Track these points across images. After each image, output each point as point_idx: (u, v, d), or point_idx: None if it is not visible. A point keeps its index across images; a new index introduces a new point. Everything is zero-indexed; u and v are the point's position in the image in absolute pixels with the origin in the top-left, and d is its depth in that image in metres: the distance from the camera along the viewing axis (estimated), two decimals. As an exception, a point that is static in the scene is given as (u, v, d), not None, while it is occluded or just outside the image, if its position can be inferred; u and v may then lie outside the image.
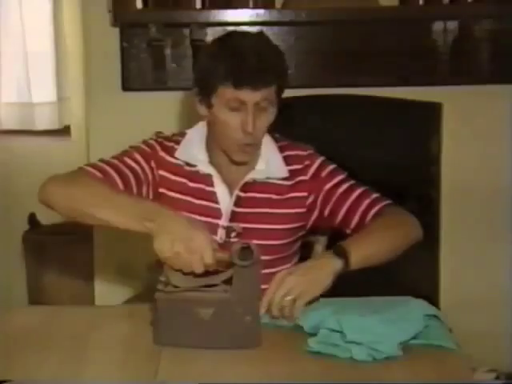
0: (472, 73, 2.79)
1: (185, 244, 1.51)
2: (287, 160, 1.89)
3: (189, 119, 2.68)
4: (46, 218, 2.98)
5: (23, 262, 3.02)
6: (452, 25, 2.75)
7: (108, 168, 1.79)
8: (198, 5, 2.68)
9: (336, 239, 1.87)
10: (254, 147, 1.82)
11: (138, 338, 1.57)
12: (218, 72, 1.75)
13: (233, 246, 1.52)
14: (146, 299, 1.65)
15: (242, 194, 1.86)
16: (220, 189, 1.85)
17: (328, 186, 1.87)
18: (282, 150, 1.90)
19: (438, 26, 2.76)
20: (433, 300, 1.78)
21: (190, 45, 2.73)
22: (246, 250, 1.50)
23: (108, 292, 2.85)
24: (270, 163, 1.87)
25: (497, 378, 2.69)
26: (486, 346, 2.76)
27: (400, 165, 2.89)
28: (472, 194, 2.88)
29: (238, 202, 1.85)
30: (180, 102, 2.76)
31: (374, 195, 1.87)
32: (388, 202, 1.86)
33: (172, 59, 2.76)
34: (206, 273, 1.53)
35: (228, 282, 1.52)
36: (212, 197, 1.85)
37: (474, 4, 2.71)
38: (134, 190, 1.80)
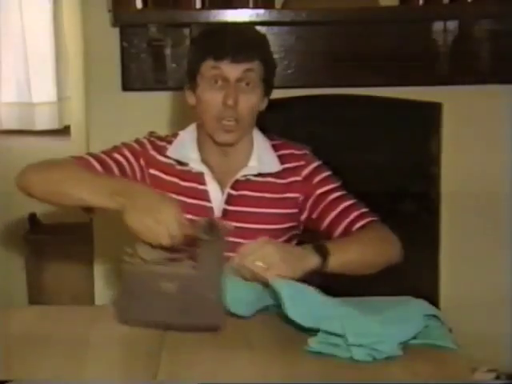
0: (472, 73, 2.79)
1: (152, 216, 1.53)
2: (281, 159, 1.89)
3: (189, 119, 2.68)
4: (45, 218, 2.98)
5: (23, 262, 3.02)
6: (452, 25, 2.75)
7: (91, 158, 1.83)
8: (198, 5, 2.68)
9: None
10: (237, 126, 1.81)
11: (138, 338, 1.57)
12: (199, 49, 1.80)
13: (198, 221, 1.53)
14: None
15: (234, 192, 1.86)
16: (212, 187, 1.86)
17: (319, 191, 1.87)
18: (276, 148, 1.91)
19: (437, 25, 2.76)
20: (433, 300, 1.78)
21: (189, 45, 2.73)
22: (211, 225, 1.51)
23: (108, 292, 2.85)
24: (261, 160, 1.88)
25: (497, 378, 2.69)
26: (486, 346, 2.76)
27: (400, 165, 2.89)
28: (472, 194, 2.88)
29: (230, 200, 1.85)
30: (180, 102, 2.75)
31: (363, 209, 1.86)
32: (375, 218, 1.85)
33: (172, 59, 2.76)
34: (176, 247, 1.54)
35: (195, 257, 1.52)
36: (204, 195, 1.85)
37: (473, 4, 2.71)
38: None
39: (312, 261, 1.64)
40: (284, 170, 1.88)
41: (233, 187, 1.86)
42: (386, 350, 1.45)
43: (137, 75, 2.77)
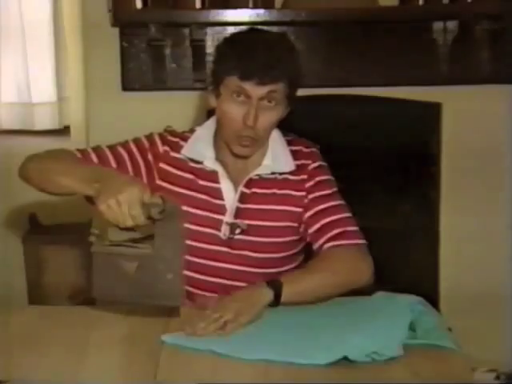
0: (472, 73, 2.79)
1: (115, 197, 1.55)
2: (292, 155, 1.88)
3: (189, 119, 2.68)
4: (46, 218, 2.97)
5: (23, 262, 3.01)
6: (452, 25, 2.75)
7: (90, 150, 1.85)
8: (198, 5, 2.68)
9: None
10: (254, 142, 1.81)
11: (137, 338, 1.57)
12: (226, 62, 1.77)
13: (153, 199, 1.55)
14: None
15: (247, 190, 1.85)
16: (225, 185, 1.85)
17: (312, 195, 1.85)
18: (287, 144, 1.90)
19: (437, 25, 2.76)
20: (433, 300, 1.78)
21: (189, 45, 2.73)
22: (165, 206, 1.54)
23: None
24: (276, 158, 1.87)
25: (497, 377, 2.68)
26: (486, 346, 2.76)
27: (400, 165, 2.89)
28: (472, 194, 2.88)
29: (243, 198, 1.85)
30: (180, 101, 2.76)
31: (349, 228, 1.82)
32: (353, 241, 1.81)
33: (172, 59, 2.76)
34: (145, 230, 1.57)
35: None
36: (217, 193, 1.85)
37: (473, 4, 2.71)
38: None
39: (265, 297, 1.65)
40: (296, 166, 1.87)
41: (246, 185, 1.85)
42: (388, 353, 1.45)
43: (137, 75, 2.77)
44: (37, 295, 2.98)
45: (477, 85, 2.81)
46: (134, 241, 1.57)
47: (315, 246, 1.83)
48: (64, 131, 3.19)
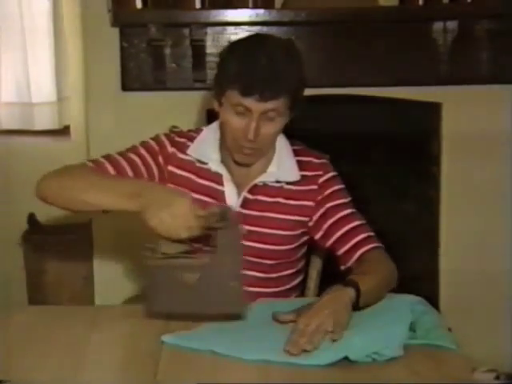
0: (472, 73, 2.79)
1: (168, 211, 1.54)
2: (300, 165, 1.87)
3: (189, 119, 2.68)
4: (45, 218, 2.98)
5: (23, 262, 3.01)
6: (452, 25, 2.75)
7: (105, 162, 1.82)
8: (198, 5, 2.68)
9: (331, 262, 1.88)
10: (256, 152, 1.80)
11: (138, 338, 1.57)
12: (227, 74, 1.74)
13: (211, 211, 1.55)
14: (146, 299, 1.65)
15: (250, 196, 1.84)
16: (229, 189, 1.85)
17: (329, 204, 1.84)
18: (296, 153, 1.88)
19: (437, 25, 2.76)
20: (433, 300, 1.78)
21: (189, 45, 2.73)
22: (224, 214, 1.53)
23: (108, 292, 2.85)
24: (281, 166, 1.85)
25: (497, 378, 2.68)
26: (486, 346, 2.77)
27: (400, 165, 2.89)
28: (472, 194, 2.88)
29: (245, 204, 1.84)
30: (180, 102, 2.76)
31: (370, 233, 1.83)
32: (379, 244, 1.82)
33: (172, 59, 2.76)
34: (194, 239, 1.56)
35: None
36: (220, 196, 1.84)
37: (473, 4, 2.71)
38: None
39: (350, 294, 1.58)
40: (301, 177, 1.86)
41: (250, 191, 1.85)
42: (389, 353, 1.45)
43: (136, 75, 2.77)
44: (37, 295, 2.99)
45: (477, 85, 2.80)
46: (190, 251, 1.55)
47: (339, 252, 1.82)
48: (64, 131, 3.20)
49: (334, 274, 1.84)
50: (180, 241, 1.56)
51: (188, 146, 1.87)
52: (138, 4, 2.66)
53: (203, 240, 1.58)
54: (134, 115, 2.77)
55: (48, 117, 3.19)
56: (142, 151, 1.85)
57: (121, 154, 1.85)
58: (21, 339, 1.57)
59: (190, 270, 1.53)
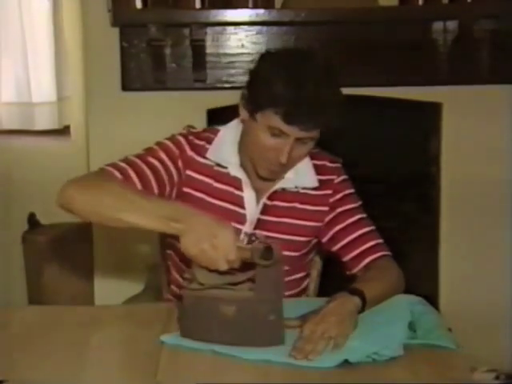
0: (472, 73, 2.79)
1: (209, 241, 1.50)
2: (315, 169, 1.85)
3: (188, 119, 2.68)
4: (45, 218, 2.98)
5: (23, 262, 3.01)
6: (452, 25, 2.75)
7: (128, 168, 1.75)
8: (198, 5, 2.68)
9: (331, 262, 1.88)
10: (283, 170, 1.78)
11: (137, 338, 1.57)
12: (268, 96, 1.67)
13: (254, 246, 1.52)
14: (145, 299, 1.65)
15: (269, 202, 1.82)
16: (248, 194, 1.82)
17: (341, 209, 1.84)
18: (310, 157, 1.85)
19: (437, 25, 2.76)
20: (433, 300, 1.78)
21: (189, 45, 2.73)
22: (268, 250, 1.49)
23: (108, 292, 2.85)
24: (300, 172, 1.83)
25: (497, 378, 2.68)
26: (486, 346, 2.77)
27: (400, 165, 2.89)
28: (472, 194, 2.88)
29: (265, 210, 1.82)
30: (180, 102, 2.76)
31: (378, 240, 1.83)
32: (387, 252, 1.82)
33: (172, 59, 2.76)
34: (232, 270, 1.53)
35: (254, 280, 1.51)
36: (239, 201, 1.82)
37: (473, 4, 2.72)
38: (155, 190, 1.76)
39: (355, 302, 1.59)
40: (319, 181, 1.84)
41: (269, 197, 1.83)
42: (389, 353, 1.45)
43: (136, 75, 2.77)
44: (36, 295, 2.98)
45: (477, 85, 2.81)
46: (229, 283, 1.52)
47: (346, 258, 1.82)
48: (64, 131, 3.20)
49: (334, 274, 1.85)
50: (217, 271, 1.53)
51: (207, 149, 1.83)
52: (138, 4, 2.66)
53: (242, 270, 1.53)
54: (134, 115, 2.77)
55: (48, 117, 3.19)
56: (162, 155, 1.80)
57: (140, 157, 1.79)
58: (21, 339, 1.57)
59: (228, 302, 1.51)
